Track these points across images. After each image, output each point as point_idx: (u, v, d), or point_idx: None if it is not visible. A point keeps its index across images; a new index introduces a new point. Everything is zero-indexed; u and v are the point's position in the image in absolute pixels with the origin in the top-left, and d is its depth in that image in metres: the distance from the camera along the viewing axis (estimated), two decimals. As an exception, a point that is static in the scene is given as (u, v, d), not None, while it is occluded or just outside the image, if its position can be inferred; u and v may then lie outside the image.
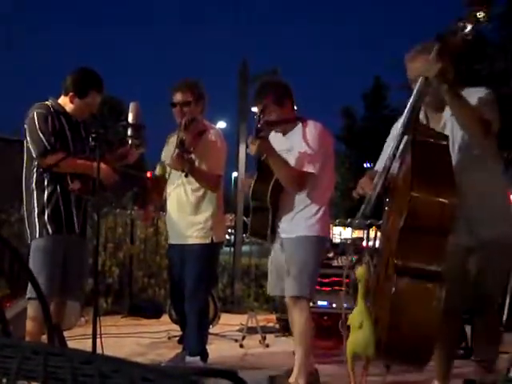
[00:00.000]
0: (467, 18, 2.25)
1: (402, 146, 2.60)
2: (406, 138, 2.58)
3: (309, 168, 3.35)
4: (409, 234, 2.34)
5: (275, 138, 3.50)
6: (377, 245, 3.08)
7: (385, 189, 2.64)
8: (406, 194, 2.36)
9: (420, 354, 2.41)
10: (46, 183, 3.38)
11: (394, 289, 2.33)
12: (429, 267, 2.35)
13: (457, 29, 2.28)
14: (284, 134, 3.50)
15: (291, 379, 3.43)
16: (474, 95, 2.58)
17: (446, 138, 2.54)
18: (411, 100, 2.56)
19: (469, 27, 2.25)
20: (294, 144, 3.40)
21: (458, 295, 2.58)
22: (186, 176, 3.62)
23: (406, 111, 2.58)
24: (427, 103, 2.67)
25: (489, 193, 2.65)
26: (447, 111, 2.65)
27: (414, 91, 2.53)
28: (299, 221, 3.43)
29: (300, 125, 3.44)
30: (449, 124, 2.67)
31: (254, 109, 3.52)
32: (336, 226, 12.56)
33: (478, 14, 2.22)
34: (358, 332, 2.98)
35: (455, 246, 2.51)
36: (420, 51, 2.64)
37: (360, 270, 3.19)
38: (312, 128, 3.41)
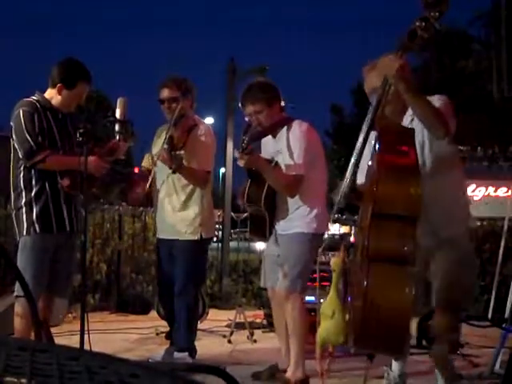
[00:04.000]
0: (424, 18, 2.36)
1: (369, 145, 2.64)
2: (372, 134, 2.61)
3: (296, 171, 3.44)
4: (378, 220, 2.37)
5: (266, 141, 3.65)
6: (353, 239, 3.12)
7: (355, 189, 2.66)
8: (375, 184, 2.41)
9: (396, 341, 2.42)
10: (33, 181, 3.34)
11: (367, 274, 2.36)
12: (399, 251, 2.37)
13: (415, 28, 2.38)
14: (273, 136, 3.61)
15: (288, 373, 3.48)
16: (433, 102, 2.64)
17: (413, 131, 2.58)
18: (373, 102, 2.62)
19: (425, 25, 2.36)
20: (282, 147, 3.52)
21: (419, 298, 2.64)
22: (174, 173, 3.63)
23: (369, 112, 2.63)
24: (389, 112, 2.71)
25: (449, 194, 2.73)
26: (408, 115, 2.73)
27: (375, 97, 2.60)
28: (296, 219, 3.51)
29: (285, 128, 3.54)
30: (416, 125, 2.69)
31: (245, 110, 3.56)
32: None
33: (432, 13, 2.34)
34: (330, 321, 2.99)
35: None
36: (373, 68, 2.73)
37: (335, 260, 3.20)
38: (296, 129, 3.50)
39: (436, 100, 2.64)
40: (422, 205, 2.38)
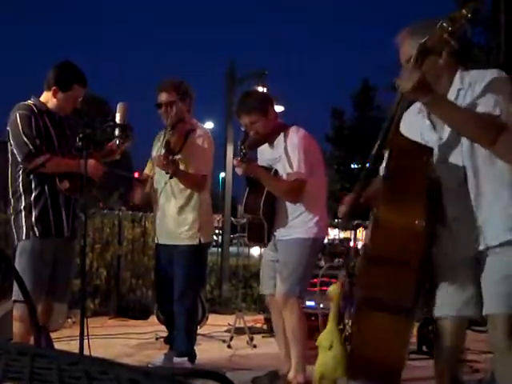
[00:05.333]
0: (453, 17, 1.99)
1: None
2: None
3: (298, 176, 3.44)
4: (376, 264, 2.15)
5: (262, 149, 3.65)
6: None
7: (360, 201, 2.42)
8: (376, 213, 2.17)
9: (387, 380, 2.30)
10: (33, 185, 3.33)
11: (359, 320, 2.22)
12: (397, 301, 2.16)
13: (439, 31, 2.01)
14: (270, 144, 3.61)
15: (290, 375, 3.49)
16: (480, 84, 2.17)
17: (430, 151, 2.23)
18: (391, 110, 2.28)
19: (454, 28, 1.97)
20: (280, 154, 3.52)
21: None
22: (171, 177, 3.64)
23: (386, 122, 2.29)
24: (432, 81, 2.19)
25: (499, 194, 2.21)
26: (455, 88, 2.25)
27: (395, 102, 2.22)
28: (297, 225, 3.51)
29: (282, 135, 3.54)
30: None
31: (241, 120, 3.58)
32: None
33: (465, 11, 1.96)
34: (328, 353, 2.93)
35: (464, 259, 2.22)
36: (411, 33, 2.25)
37: (333, 288, 3.12)
38: (294, 136, 3.50)
39: (495, 81, 2.13)
40: (421, 252, 2.12)
